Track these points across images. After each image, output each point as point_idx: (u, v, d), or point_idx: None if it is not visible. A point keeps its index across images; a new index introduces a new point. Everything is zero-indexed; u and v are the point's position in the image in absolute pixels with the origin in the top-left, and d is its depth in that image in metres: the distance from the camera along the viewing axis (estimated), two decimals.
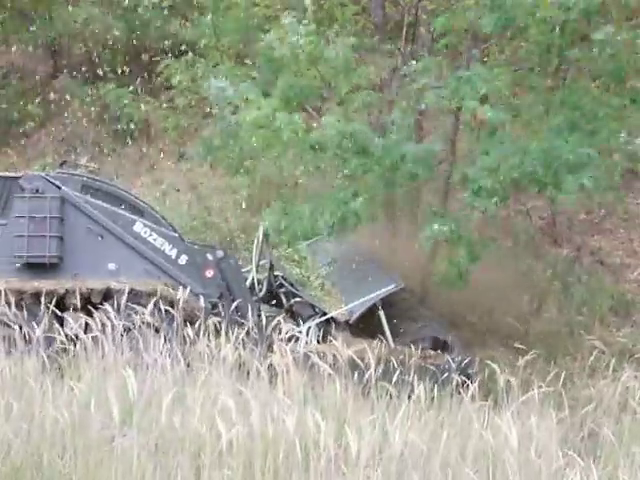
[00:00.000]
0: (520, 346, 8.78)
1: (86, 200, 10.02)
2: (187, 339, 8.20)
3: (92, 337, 7.89)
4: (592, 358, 9.05)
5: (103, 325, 7.97)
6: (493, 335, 10.50)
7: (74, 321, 8.43)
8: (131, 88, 17.06)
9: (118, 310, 8.60)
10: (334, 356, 8.37)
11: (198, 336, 8.21)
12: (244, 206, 14.44)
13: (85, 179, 10.65)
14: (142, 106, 16.60)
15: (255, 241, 10.93)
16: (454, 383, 8.33)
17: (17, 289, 9.27)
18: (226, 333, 8.17)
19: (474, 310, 10.99)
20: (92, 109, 17.27)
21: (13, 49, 18.98)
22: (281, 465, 6.03)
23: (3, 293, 8.92)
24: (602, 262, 12.32)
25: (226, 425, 6.10)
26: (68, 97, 17.74)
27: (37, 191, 9.82)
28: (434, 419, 7.14)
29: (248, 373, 7.65)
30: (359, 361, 8.38)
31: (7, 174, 10.71)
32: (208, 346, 7.82)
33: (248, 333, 8.69)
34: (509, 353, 9.91)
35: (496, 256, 11.36)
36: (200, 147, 13.94)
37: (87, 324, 8.28)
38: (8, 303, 8.82)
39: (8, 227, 9.78)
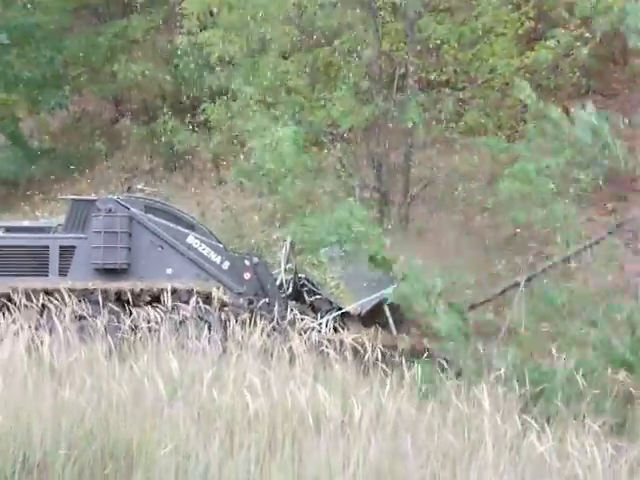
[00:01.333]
0: None
1: (149, 218, 10.12)
2: (224, 329, 8.29)
3: (149, 327, 7.94)
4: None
5: (160, 318, 8.05)
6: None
7: (137, 314, 8.44)
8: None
9: (173, 306, 8.72)
10: (340, 342, 8.46)
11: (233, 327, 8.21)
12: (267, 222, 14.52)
13: (147, 201, 10.81)
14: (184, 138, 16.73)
15: (283, 249, 11.00)
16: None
17: (94, 289, 9.45)
18: (255, 324, 8.18)
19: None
20: (146, 146, 17.32)
21: (84, 98, 19.05)
22: (297, 430, 6.03)
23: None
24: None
25: (253, 398, 6.14)
26: (127, 135, 17.83)
27: (110, 211, 9.92)
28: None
29: (272, 356, 7.65)
30: (359, 347, 8.51)
31: (86, 197, 10.90)
32: (241, 335, 7.87)
33: (275, 324, 8.80)
34: None
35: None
36: (236, 173, 14.13)
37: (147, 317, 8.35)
38: (87, 300, 9.09)
39: (87, 240, 9.89)
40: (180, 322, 8.59)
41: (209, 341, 7.83)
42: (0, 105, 17.66)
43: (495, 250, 12.63)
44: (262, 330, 7.93)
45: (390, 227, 12.94)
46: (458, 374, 8.18)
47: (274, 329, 8.64)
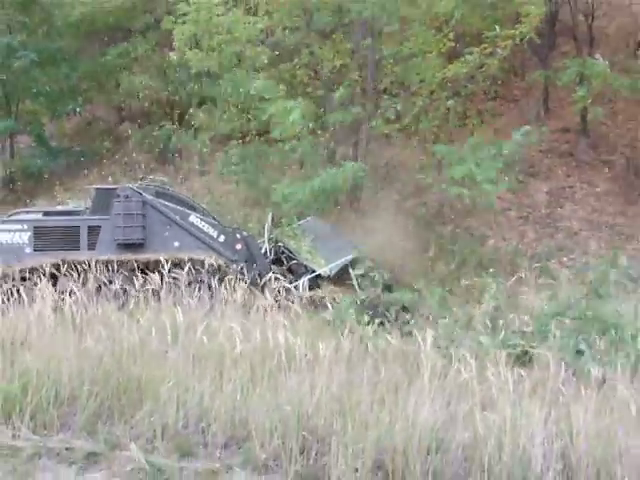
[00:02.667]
0: None
1: (159, 202, 10.06)
2: (212, 289, 8.27)
3: (152, 289, 7.89)
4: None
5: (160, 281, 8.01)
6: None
7: (143, 279, 8.23)
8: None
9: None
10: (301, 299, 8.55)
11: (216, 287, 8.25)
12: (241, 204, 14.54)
13: (157, 188, 10.74)
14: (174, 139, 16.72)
15: (266, 224, 10.96)
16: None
17: (117, 260, 9.45)
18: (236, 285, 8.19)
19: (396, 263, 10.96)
20: (143, 144, 17.23)
21: (94, 106, 18.88)
22: (274, 366, 6.06)
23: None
24: (472, 234, 12.37)
25: (238, 341, 6.16)
26: (128, 136, 17.71)
27: (127, 197, 9.83)
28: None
29: (249, 309, 7.63)
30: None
31: (108, 186, 10.78)
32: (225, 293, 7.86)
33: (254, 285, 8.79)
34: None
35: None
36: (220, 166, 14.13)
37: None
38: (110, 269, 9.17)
39: (110, 221, 9.80)
40: (189, 284, 8.40)
41: (199, 299, 7.82)
42: (28, 113, 17.55)
43: (424, 223, 12.72)
44: (242, 290, 7.92)
45: (339, 207, 12.96)
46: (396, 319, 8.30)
47: (252, 288, 8.63)
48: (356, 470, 4.99)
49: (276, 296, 8.10)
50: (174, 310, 6.94)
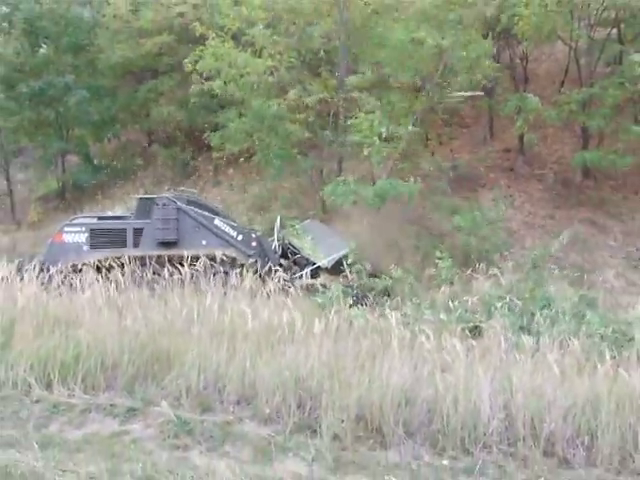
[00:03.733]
0: None
1: (190, 208, 9.99)
2: (226, 278, 8.21)
3: (179, 278, 7.85)
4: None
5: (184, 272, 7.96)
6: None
7: (171, 271, 8.10)
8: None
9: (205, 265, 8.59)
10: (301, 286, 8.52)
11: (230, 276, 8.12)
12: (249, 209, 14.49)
13: (188, 197, 10.70)
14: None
15: (275, 225, 10.87)
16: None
17: (157, 255, 9.43)
18: (242, 274, 8.11)
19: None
20: (168, 162, 17.19)
21: (128, 131, 18.86)
22: (276, 339, 6.09)
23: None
24: (431, 233, 12.34)
25: (247, 320, 6.18)
26: (156, 155, 17.67)
27: (164, 205, 9.78)
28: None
29: (255, 294, 7.54)
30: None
31: (149, 196, 10.77)
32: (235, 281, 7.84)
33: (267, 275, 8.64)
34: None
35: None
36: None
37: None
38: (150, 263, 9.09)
39: (151, 224, 9.74)
40: (214, 274, 8.32)
41: (215, 286, 7.74)
42: (77, 137, 17.50)
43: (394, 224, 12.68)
44: (249, 279, 7.88)
45: (325, 213, 12.95)
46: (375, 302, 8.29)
47: (259, 277, 8.56)
48: (342, 421, 5.02)
49: (282, 284, 8.03)
50: (195, 295, 6.98)
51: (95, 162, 17.60)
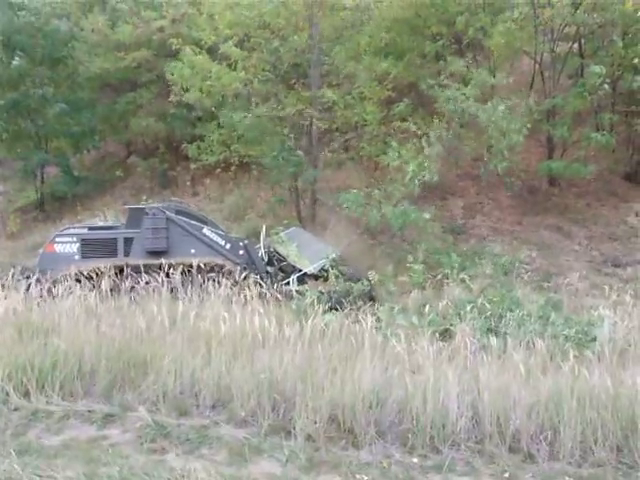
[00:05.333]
0: None
1: (178, 218, 9.93)
2: (202, 286, 8.16)
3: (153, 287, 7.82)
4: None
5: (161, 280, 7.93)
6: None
7: (147, 278, 8.16)
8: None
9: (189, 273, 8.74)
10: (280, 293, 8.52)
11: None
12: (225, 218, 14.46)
13: (177, 207, 10.63)
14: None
15: (261, 234, 10.82)
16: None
17: (145, 264, 9.28)
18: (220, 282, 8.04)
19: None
20: (147, 173, 17.14)
21: (107, 143, 18.75)
22: (251, 344, 6.11)
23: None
24: (404, 241, 12.46)
25: (223, 325, 6.20)
26: (135, 166, 17.61)
27: (154, 214, 9.76)
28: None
29: (232, 300, 7.47)
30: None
31: (139, 206, 10.68)
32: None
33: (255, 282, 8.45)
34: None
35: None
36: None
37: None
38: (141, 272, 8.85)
39: (141, 233, 9.72)
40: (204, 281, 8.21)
41: (191, 293, 7.70)
42: (56, 149, 17.31)
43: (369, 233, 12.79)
44: (225, 285, 7.84)
45: (301, 222, 13.01)
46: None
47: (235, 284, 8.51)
48: (315, 422, 5.06)
49: (268, 291, 7.95)
50: (172, 302, 6.98)
51: (75, 173, 17.43)
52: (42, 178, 17.07)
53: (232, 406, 5.41)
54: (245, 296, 7.32)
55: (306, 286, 9.45)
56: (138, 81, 17.26)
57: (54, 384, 5.66)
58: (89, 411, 5.44)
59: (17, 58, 16.27)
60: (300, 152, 12.96)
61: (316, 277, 9.95)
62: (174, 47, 13.06)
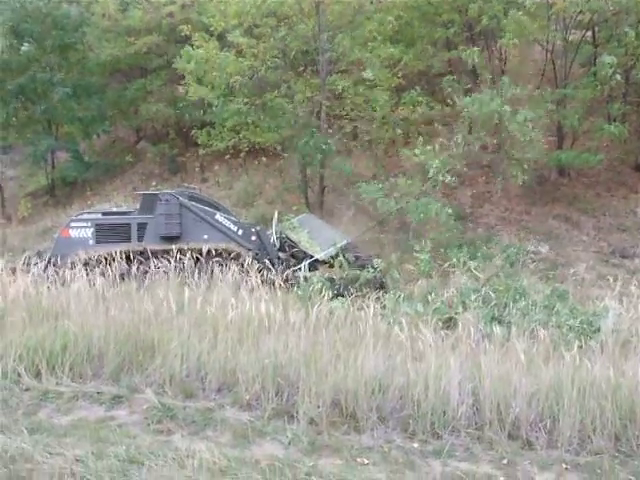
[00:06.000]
0: None
1: (191, 204, 10.03)
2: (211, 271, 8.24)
3: (164, 271, 7.90)
4: None
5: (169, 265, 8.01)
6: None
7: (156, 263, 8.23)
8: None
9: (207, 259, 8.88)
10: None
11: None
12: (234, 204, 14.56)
13: (190, 192, 10.73)
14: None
15: (273, 220, 10.91)
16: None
17: (162, 249, 9.35)
18: (223, 267, 8.17)
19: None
20: (157, 158, 17.22)
21: (117, 128, 18.84)
22: (256, 329, 6.20)
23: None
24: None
25: (230, 310, 6.30)
26: (145, 152, 17.72)
27: (167, 200, 9.84)
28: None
29: (239, 286, 7.56)
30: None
31: (153, 192, 10.82)
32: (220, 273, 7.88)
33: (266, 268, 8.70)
34: None
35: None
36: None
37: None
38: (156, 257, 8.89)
39: (154, 219, 9.82)
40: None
41: (199, 279, 7.75)
42: (66, 134, 17.47)
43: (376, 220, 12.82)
44: (233, 272, 7.93)
45: (309, 209, 13.06)
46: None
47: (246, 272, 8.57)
48: (318, 407, 5.14)
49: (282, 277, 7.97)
50: (181, 287, 7.08)
51: (85, 158, 17.58)
52: (52, 163, 17.25)
53: (237, 390, 5.50)
54: (251, 282, 7.41)
55: (316, 272, 9.54)
56: (148, 67, 17.34)
57: (64, 366, 5.79)
58: (98, 392, 5.56)
59: (26, 44, 16.37)
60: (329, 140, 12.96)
61: (328, 264, 10.01)
62: (183, 34, 13.08)
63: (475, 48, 12.42)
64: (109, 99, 17.39)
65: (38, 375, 5.77)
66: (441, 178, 10.77)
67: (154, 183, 14.64)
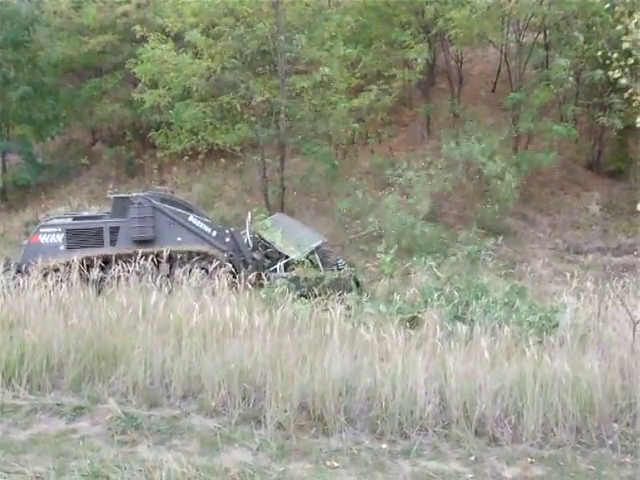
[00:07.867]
0: None
1: (164, 206, 9.85)
2: (171, 275, 8.13)
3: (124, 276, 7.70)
4: None
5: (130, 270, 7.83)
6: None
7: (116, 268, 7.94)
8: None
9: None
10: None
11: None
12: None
13: (162, 195, 10.51)
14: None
15: (246, 220, 10.81)
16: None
17: (132, 253, 8.96)
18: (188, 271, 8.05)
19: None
20: (113, 160, 16.86)
21: (72, 129, 18.36)
22: (221, 333, 6.12)
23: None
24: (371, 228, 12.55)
25: (193, 315, 6.19)
26: (101, 154, 17.33)
27: (140, 203, 9.66)
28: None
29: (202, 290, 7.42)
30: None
31: (124, 195, 10.48)
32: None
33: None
34: None
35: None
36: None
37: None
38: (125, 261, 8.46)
39: (127, 223, 9.62)
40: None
41: (160, 283, 7.52)
42: (20, 136, 16.88)
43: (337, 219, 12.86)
44: (195, 275, 7.83)
45: (270, 209, 13.00)
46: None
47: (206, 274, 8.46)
48: (285, 411, 5.09)
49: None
50: (142, 292, 6.93)
51: (38, 161, 17.06)
52: (4, 166, 16.67)
53: (203, 396, 5.41)
54: (216, 285, 7.32)
55: (284, 273, 9.48)
56: (103, 66, 16.95)
57: (21, 378, 5.58)
58: (58, 404, 5.38)
59: None
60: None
61: (304, 263, 9.91)
62: (138, 35, 12.84)
63: (422, 44, 12.62)
64: (63, 99, 16.90)
65: None
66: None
67: (111, 186, 14.31)
